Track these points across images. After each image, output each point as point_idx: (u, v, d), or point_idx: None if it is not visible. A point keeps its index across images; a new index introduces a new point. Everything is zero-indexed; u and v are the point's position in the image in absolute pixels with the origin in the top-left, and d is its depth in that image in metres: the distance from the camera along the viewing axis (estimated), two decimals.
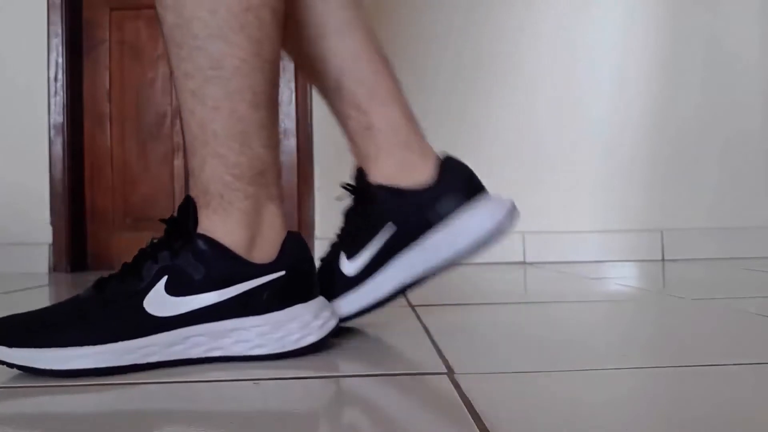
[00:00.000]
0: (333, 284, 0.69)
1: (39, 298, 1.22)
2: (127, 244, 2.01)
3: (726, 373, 0.51)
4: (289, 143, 2.04)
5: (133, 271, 0.58)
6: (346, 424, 0.42)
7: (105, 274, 0.60)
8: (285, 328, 0.59)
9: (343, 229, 0.73)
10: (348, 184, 0.73)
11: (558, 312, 0.87)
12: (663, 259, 1.85)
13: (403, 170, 0.69)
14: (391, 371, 0.54)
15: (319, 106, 1.91)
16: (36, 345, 0.53)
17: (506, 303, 0.98)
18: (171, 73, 0.59)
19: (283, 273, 0.60)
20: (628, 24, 1.91)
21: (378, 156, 0.70)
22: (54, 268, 1.90)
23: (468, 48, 1.89)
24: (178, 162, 2.04)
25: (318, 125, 1.91)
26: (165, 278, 0.56)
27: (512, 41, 1.90)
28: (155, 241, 0.59)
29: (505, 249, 1.84)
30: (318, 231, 1.89)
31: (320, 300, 0.63)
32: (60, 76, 1.96)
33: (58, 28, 1.96)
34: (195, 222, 0.59)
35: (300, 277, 0.61)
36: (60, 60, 1.96)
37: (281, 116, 2.04)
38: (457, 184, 0.69)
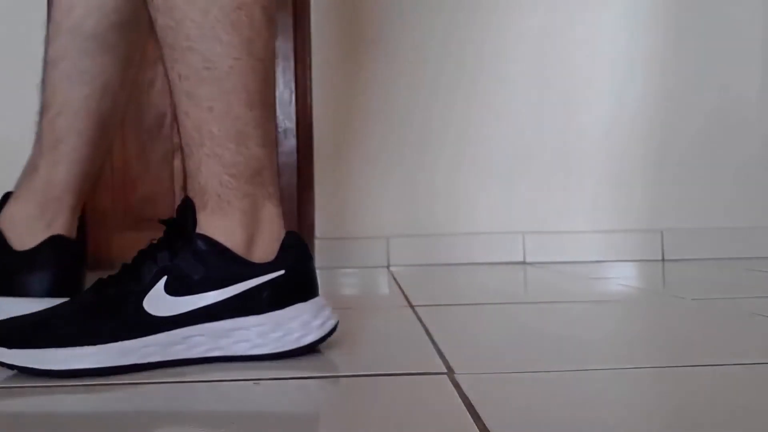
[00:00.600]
0: None
1: None
2: (127, 244, 2.01)
3: (726, 373, 0.51)
4: (289, 143, 2.04)
5: (133, 271, 0.58)
6: (346, 424, 0.42)
7: (104, 275, 0.60)
8: (285, 327, 0.59)
9: None
10: None
11: (558, 312, 0.87)
12: (663, 259, 1.85)
13: None
14: (391, 371, 0.53)
15: (319, 106, 1.91)
16: (35, 346, 0.53)
17: (506, 303, 0.98)
18: (165, 74, 0.59)
19: (282, 272, 0.60)
20: (628, 24, 1.91)
21: None
22: None
23: (468, 48, 1.89)
24: (178, 162, 2.04)
25: (318, 125, 1.91)
26: (164, 278, 0.56)
27: (513, 41, 1.90)
28: (154, 242, 0.59)
29: (505, 249, 1.84)
30: (318, 231, 1.89)
31: (320, 299, 0.63)
32: None
33: None
34: (194, 222, 0.59)
35: (299, 276, 0.61)
36: None
37: (281, 116, 2.04)
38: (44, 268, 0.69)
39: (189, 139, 0.59)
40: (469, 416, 0.41)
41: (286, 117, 2.04)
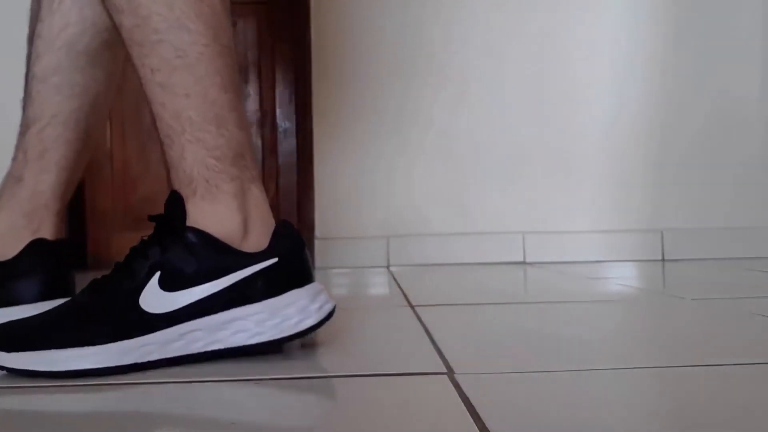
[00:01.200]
0: None
1: None
2: (127, 244, 2.00)
3: (726, 373, 0.51)
4: (289, 143, 2.04)
5: (126, 269, 0.58)
6: (346, 424, 0.42)
7: (98, 275, 0.60)
8: (282, 313, 0.59)
9: None
10: None
11: (558, 312, 0.87)
12: (663, 259, 1.85)
13: None
14: (391, 371, 0.53)
15: (319, 106, 1.91)
16: (34, 348, 0.53)
17: (506, 303, 0.98)
18: (136, 75, 0.60)
19: (276, 260, 0.60)
20: (628, 24, 1.91)
21: None
22: None
23: (468, 48, 1.89)
24: None
25: (318, 125, 1.91)
26: (158, 274, 0.57)
27: (513, 41, 1.90)
28: (145, 238, 0.59)
29: (505, 249, 1.84)
30: (318, 231, 1.89)
31: (316, 285, 0.63)
32: None
33: None
34: (183, 215, 0.59)
35: (294, 263, 0.61)
36: None
37: (281, 116, 2.04)
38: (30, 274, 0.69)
39: (168, 129, 0.59)
40: (469, 416, 0.41)
41: (286, 117, 2.04)
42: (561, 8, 1.90)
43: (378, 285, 1.32)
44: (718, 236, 1.87)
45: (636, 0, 1.91)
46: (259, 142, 2.04)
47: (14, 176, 0.74)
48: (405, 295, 1.06)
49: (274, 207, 2.02)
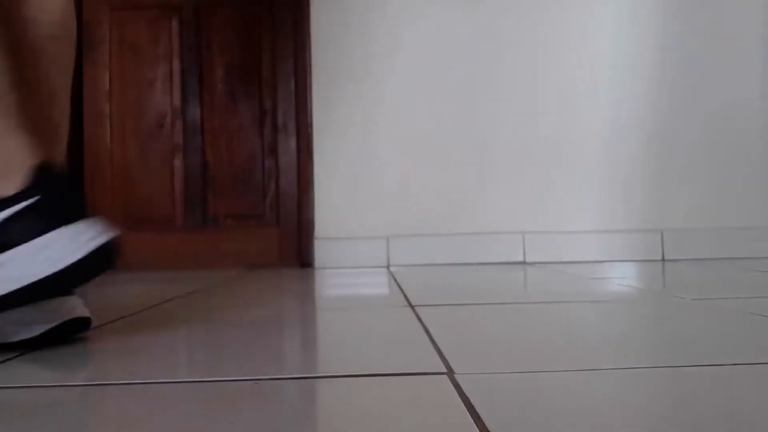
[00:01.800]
0: None
1: None
2: (126, 244, 2.01)
3: (726, 373, 0.51)
4: (289, 143, 2.04)
5: None
6: (345, 425, 0.42)
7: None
8: (44, 254, 0.58)
9: None
10: None
11: (558, 312, 0.87)
12: (663, 259, 1.85)
13: None
14: (391, 371, 0.53)
15: (319, 106, 1.91)
16: None
17: (506, 303, 0.98)
18: None
19: (32, 200, 0.59)
20: (629, 25, 1.91)
21: None
22: None
23: (469, 48, 1.89)
24: (178, 162, 2.04)
25: (318, 125, 1.91)
26: None
27: (513, 41, 1.90)
28: None
29: (505, 249, 1.84)
30: (318, 231, 1.89)
31: (87, 221, 0.61)
32: None
33: None
34: None
35: (55, 202, 0.60)
36: None
37: (281, 116, 2.04)
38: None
39: None
40: (469, 416, 0.41)
41: (286, 117, 2.04)
42: (561, 8, 1.90)
43: (378, 285, 1.32)
44: (718, 236, 1.87)
45: (637, 1, 1.91)
46: (259, 142, 2.04)
47: None
48: (405, 295, 1.06)
49: (274, 207, 2.03)
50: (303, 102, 1.96)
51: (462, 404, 0.43)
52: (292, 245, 2.01)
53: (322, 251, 1.86)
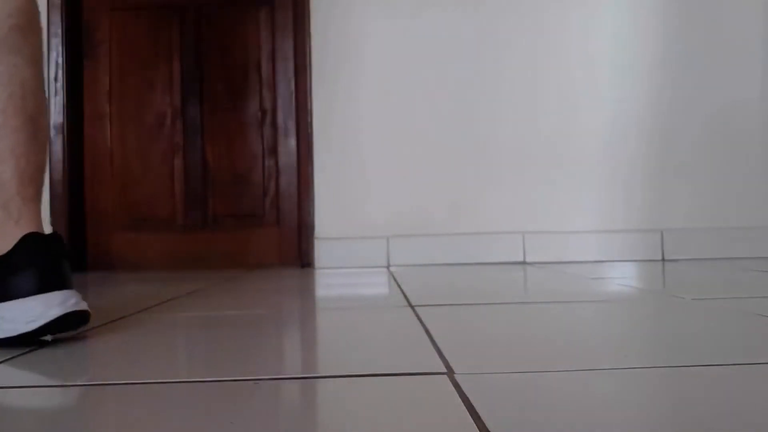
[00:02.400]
0: None
1: None
2: (126, 244, 2.02)
3: (726, 373, 0.51)
4: (289, 143, 2.04)
5: None
6: (345, 424, 0.42)
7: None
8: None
9: None
10: None
11: (558, 312, 0.87)
12: (663, 259, 1.85)
13: None
14: (391, 371, 0.53)
15: (319, 107, 1.91)
16: None
17: (506, 303, 0.98)
18: None
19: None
20: (629, 25, 1.91)
21: None
22: None
23: (469, 48, 1.89)
24: (178, 162, 2.04)
25: (318, 125, 1.91)
26: None
27: (513, 41, 1.90)
28: None
29: (505, 249, 1.84)
30: (318, 231, 1.89)
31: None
32: (60, 76, 1.96)
33: (58, 29, 1.96)
34: None
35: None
36: (60, 60, 1.96)
37: (281, 116, 2.04)
38: (25, 267, 0.70)
39: None
40: (469, 416, 0.41)
41: (286, 117, 2.04)
42: (561, 8, 1.90)
43: (378, 285, 1.32)
44: (717, 236, 1.87)
45: (637, 1, 1.91)
46: (259, 142, 2.04)
47: None
48: (405, 295, 1.06)
49: (274, 207, 2.03)
50: (303, 102, 1.96)
51: (462, 404, 0.43)
52: (292, 245, 2.01)
53: (322, 251, 1.86)
